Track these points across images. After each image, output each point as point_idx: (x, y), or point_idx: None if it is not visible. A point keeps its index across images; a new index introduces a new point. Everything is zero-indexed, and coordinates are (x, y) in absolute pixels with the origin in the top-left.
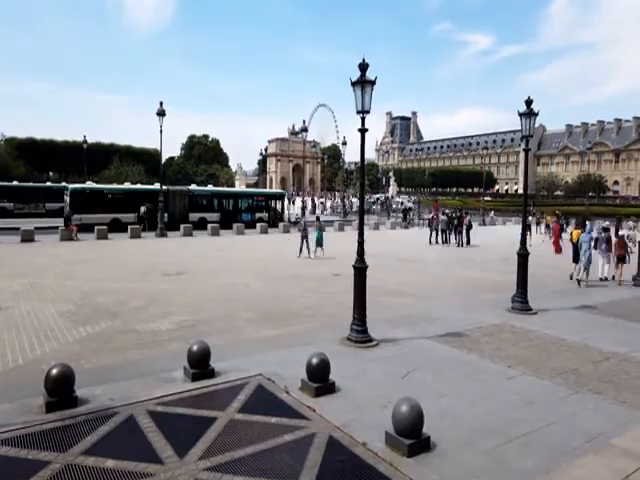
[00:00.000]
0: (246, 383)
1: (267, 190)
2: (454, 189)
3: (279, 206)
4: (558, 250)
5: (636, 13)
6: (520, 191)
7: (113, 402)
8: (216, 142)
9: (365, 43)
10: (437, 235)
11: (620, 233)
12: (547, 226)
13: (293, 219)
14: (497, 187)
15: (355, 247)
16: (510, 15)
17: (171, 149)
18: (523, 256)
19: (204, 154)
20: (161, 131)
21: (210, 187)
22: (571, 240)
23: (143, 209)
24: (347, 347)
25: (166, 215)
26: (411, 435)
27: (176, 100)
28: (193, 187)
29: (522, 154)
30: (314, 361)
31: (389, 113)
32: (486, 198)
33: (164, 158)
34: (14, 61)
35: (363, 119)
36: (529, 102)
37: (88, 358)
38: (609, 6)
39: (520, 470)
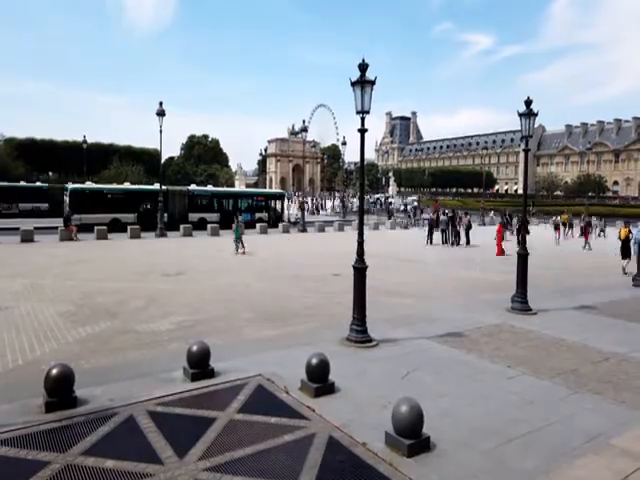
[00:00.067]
0: (246, 383)
1: (267, 190)
2: (454, 189)
3: (279, 206)
4: (500, 252)
5: (637, 14)
6: (520, 191)
7: (113, 402)
8: (216, 142)
9: (365, 43)
10: (432, 235)
11: None
12: (564, 224)
13: (293, 219)
14: (497, 187)
15: (355, 247)
16: (511, 15)
17: (171, 149)
18: (523, 256)
19: (204, 154)
20: (161, 131)
21: (210, 187)
22: (619, 237)
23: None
24: (347, 347)
25: (166, 215)
26: (411, 435)
27: (176, 100)
28: (193, 187)
29: (522, 154)
30: (314, 361)
31: (389, 113)
32: (486, 200)
33: (164, 158)
34: (14, 61)
35: (363, 119)
36: (529, 102)
37: (88, 358)
38: (610, 7)
39: (520, 470)
